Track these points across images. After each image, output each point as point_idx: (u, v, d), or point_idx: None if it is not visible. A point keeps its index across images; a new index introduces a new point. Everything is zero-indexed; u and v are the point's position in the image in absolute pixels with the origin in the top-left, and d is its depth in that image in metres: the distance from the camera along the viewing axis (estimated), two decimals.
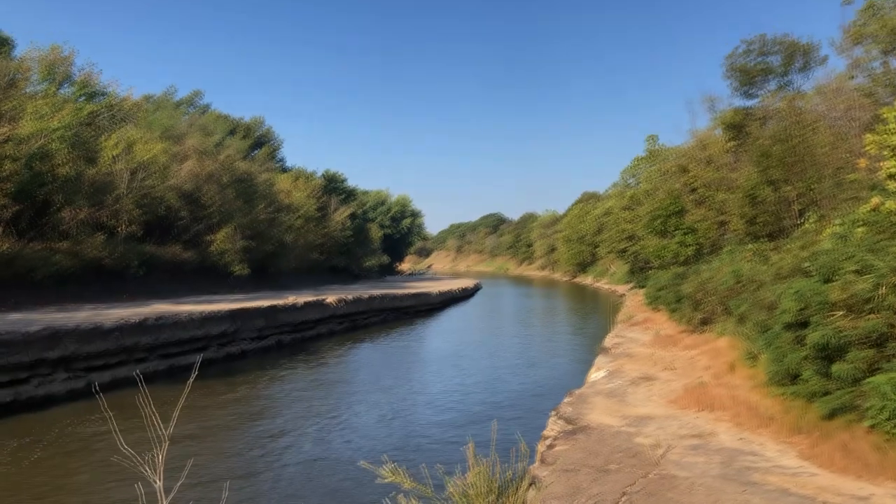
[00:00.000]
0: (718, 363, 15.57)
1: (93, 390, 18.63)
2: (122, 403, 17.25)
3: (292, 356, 28.38)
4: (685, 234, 31.86)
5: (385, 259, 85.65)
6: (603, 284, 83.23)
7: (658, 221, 33.87)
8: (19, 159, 27.88)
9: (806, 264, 13.87)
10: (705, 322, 21.55)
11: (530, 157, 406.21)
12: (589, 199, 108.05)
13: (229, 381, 22.35)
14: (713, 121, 36.58)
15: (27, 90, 32.69)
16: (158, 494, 2.57)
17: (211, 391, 20.42)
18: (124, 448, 2.79)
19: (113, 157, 33.92)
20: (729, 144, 32.31)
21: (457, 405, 19.25)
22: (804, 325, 10.75)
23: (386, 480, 4.82)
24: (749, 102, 32.72)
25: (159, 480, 2.56)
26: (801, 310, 10.70)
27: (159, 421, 2.74)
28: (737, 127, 31.17)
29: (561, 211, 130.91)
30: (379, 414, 18.18)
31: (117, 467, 11.93)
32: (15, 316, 22.14)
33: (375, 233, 79.40)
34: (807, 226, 18.30)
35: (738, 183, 27.00)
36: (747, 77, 31.14)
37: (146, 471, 2.60)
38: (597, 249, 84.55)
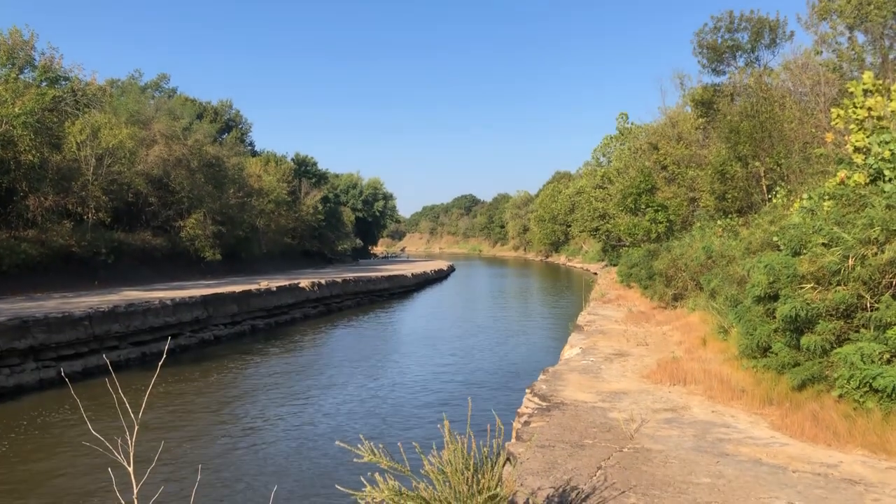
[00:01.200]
0: (691, 338, 15.75)
1: (63, 379, 18.44)
2: (94, 392, 17.15)
3: (267, 341, 28.24)
4: (656, 211, 32.12)
5: (358, 242, 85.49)
6: (576, 264, 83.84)
7: (630, 199, 34.09)
8: None
9: (775, 238, 14.04)
10: (677, 298, 21.79)
11: (503, 138, 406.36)
12: (561, 178, 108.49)
13: (203, 366, 22.19)
14: (683, 98, 36.87)
15: None
16: (131, 479, 2.52)
17: (185, 377, 20.27)
18: (95, 434, 2.74)
19: (78, 143, 33.32)
20: (699, 121, 32.57)
21: (432, 385, 19.31)
22: (774, 298, 10.89)
23: (364, 460, 4.80)
24: (718, 79, 32.99)
25: (130, 465, 2.52)
26: (771, 283, 10.82)
27: (129, 407, 2.68)
28: (706, 104, 31.40)
29: (533, 191, 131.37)
30: (355, 395, 18.17)
31: (89, 455, 11.84)
32: None
33: (348, 216, 79.13)
34: (775, 201, 18.51)
35: (708, 159, 27.26)
36: (716, 54, 31.34)
37: (117, 456, 2.56)
38: (569, 229, 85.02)
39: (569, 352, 15.90)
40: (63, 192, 32.37)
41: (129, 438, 2.60)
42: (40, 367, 19.38)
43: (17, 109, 28.92)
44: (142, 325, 23.55)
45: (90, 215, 33.90)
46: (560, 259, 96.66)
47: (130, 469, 2.54)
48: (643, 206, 33.23)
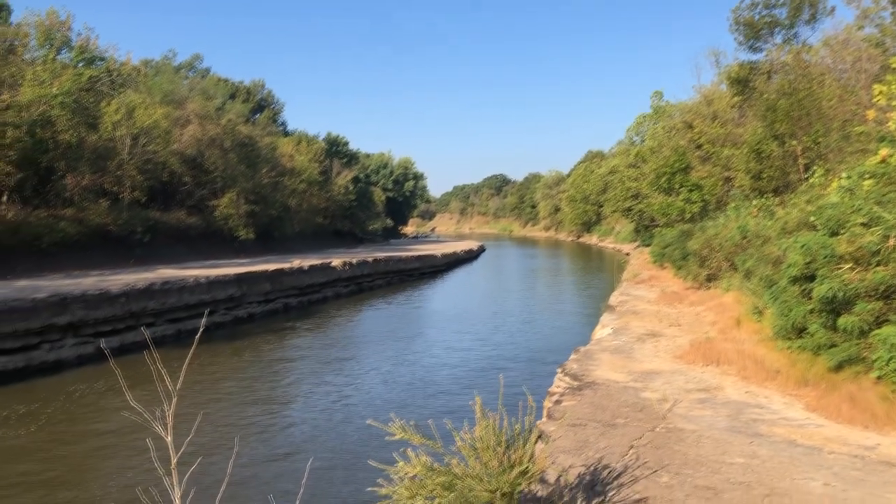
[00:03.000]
0: (724, 318, 15.59)
1: (100, 354, 18.83)
2: (131, 367, 17.40)
3: (299, 319, 28.52)
4: (691, 190, 31.70)
5: (389, 222, 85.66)
6: (608, 244, 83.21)
7: (663, 179, 33.68)
8: (21, 126, 27.73)
9: (812, 218, 13.79)
10: (711, 278, 21.55)
11: (535, 117, 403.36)
12: (593, 157, 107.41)
13: (237, 343, 22.49)
14: (719, 76, 36.21)
15: (26, 56, 32.41)
16: (170, 449, 2.56)
17: (219, 353, 20.57)
18: (135, 406, 2.78)
19: (114, 122, 33.70)
20: (734, 99, 31.99)
21: (462, 363, 19.37)
22: (811, 278, 10.72)
23: (396, 437, 4.84)
24: (755, 56, 32.27)
25: (169, 436, 2.56)
26: (808, 263, 10.65)
27: (168, 380, 2.73)
28: (742, 81, 30.79)
29: (565, 171, 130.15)
30: (385, 373, 18.30)
31: (128, 426, 12.09)
32: (22, 283, 22.23)
33: (378, 196, 79.20)
34: (813, 180, 18.15)
35: (744, 138, 26.80)
36: (753, 30, 30.66)
37: (156, 426, 2.60)
38: (601, 209, 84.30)
39: (600, 332, 15.84)
40: (100, 171, 32.82)
41: (167, 410, 2.64)
42: (79, 342, 19.79)
43: (54, 90, 29.33)
44: (177, 303, 23.90)
45: (126, 194, 34.36)
46: (592, 239, 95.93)
47: (169, 439, 2.59)
48: (677, 186, 32.81)
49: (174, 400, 2.71)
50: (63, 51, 35.41)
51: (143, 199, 35.50)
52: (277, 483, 10.11)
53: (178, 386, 2.72)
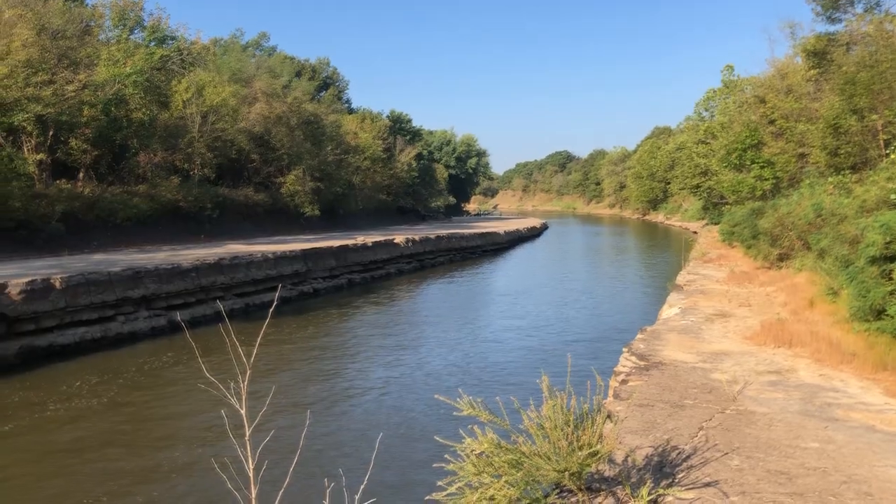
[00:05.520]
0: (797, 299, 15.11)
1: (173, 326, 19.42)
2: (201, 339, 17.93)
3: (363, 295, 28.85)
4: (762, 167, 30.73)
5: (451, 199, 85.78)
6: (674, 222, 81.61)
7: (734, 155, 32.70)
8: (97, 105, 28.63)
9: (893, 196, 13.22)
10: (783, 258, 20.92)
11: (600, 93, 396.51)
12: (660, 133, 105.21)
13: (303, 318, 22.88)
14: (793, 48, 34.87)
15: (101, 37, 33.39)
16: (243, 420, 2.59)
17: (285, 327, 20.97)
18: (208, 376, 2.83)
19: (184, 101, 34.51)
20: (810, 73, 30.78)
21: (525, 342, 19.30)
22: (891, 259, 10.29)
23: (463, 413, 4.83)
24: (833, 27, 30.90)
25: (243, 408, 2.59)
26: (888, 243, 10.23)
27: (241, 351, 2.76)
28: (819, 54, 29.56)
29: (631, 147, 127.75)
30: (449, 350, 18.38)
31: (202, 397, 12.45)
32: (98, 256, 23.05)
33: (441, 173, 79.30)
34: (894, 156, 17.37)
35: (820, 113, 25.79)
36: (832, 0, 29.35)
37: (230, 397, 2.63)
38: (668, 186, 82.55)
39: (667, 311, 15.55)
40: (171, 148, 33.72)
41: (241, 381, 2.67)
42: (152, 315, 20.44)
43: (128, 69, 30.17)
44: (245, 278, 24.44)
45: (196, 171, 35.24)
46: (658, 217, 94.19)
47: (243, 411, 2.61)
48: (748, 163, 31.82)
49: (248, 373, 2.74)
50: (136, 31, 36.38)
51: (213, 177, 36.36)
52: (345, 457, 10.28)
53: (252, 360, 2.75)
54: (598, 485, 5.09)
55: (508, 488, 4.36)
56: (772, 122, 32.43)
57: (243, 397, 2.64)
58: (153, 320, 20.32)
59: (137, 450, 10.98)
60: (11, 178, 25.06)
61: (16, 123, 26.31)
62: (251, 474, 2.54)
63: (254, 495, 2.48)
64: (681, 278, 21.26)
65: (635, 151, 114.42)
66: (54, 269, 19.25)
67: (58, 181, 28.60)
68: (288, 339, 19.39)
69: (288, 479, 2.80)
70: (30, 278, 16.97)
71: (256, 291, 24.86)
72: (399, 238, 37.92)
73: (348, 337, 20.79)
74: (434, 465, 4.87)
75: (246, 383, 2.69)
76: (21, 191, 25.16)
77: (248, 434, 2.63)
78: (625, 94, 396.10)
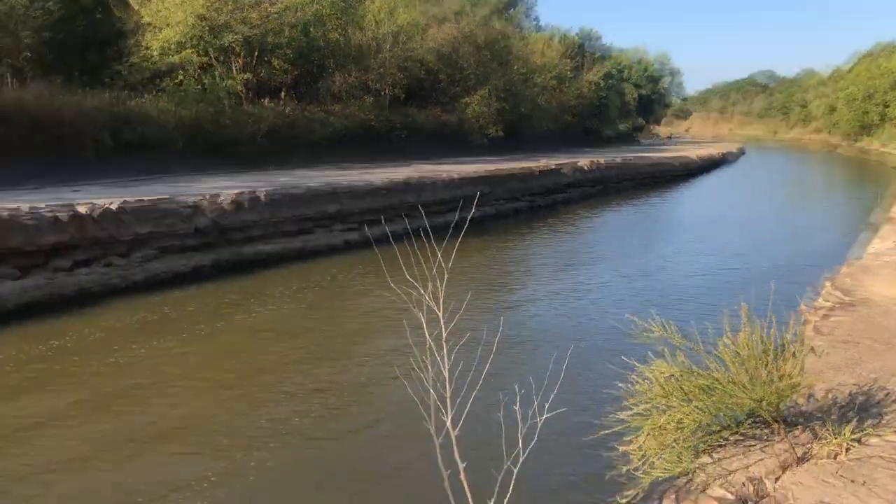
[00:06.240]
0: None
1: (364, 242, 20.49)
2: (389, 255, 18.72)
3: (544, 218, 28.78)
4: None
5: (640, 121, 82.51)
6: (892, 150, 73.89)
7: None
8: (297, 26, 30.01)
9: None
10: None
11: (809, 8, 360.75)
12: (882, 51, 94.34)
13: (484, 239, 23.27)
14: None
15: None
16: (441, 322, 2.68)
17: (468, 248, 21.45)
18: (409, 279, 2.96)
19: (377, 20, 35.31)
20: None
21: (715, 270, 18.48)
22: None
23: (655, 334, 4.75)
24: None
25: (440, 309, 2.69)
26: None
27: (440, 257, 2.86)
28: None
29: (845, 66, 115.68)
30: (633, 275, 18.02)
31: (392, 305, 13.22)
32: (298, 172, 24.58)
33: (630, 94, 76.21)
34: None
35: None
36: None
37: (427, 299, 2.74)
38: (887, 109, 74.42)
39: (878, 245, 14.28)
40: (363, 69, 34.80)
41: (439, 287, 2.74)
42: (346, 229, 21.64)
43: None
44: (430, 198, 25.11)
45: (386, 91, 36.24)
46: (872, 144, 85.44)
47: (440, 313, 2.70)
48: None
49: (445, 277, 2.82)
50: None
51: (402, 97, 37.25)
52: (531, 369, 10.48)
53: (449, 265, 2.83)
54: (795, 418, 4.87)
55: (698, 413, 4.27)
56: None
57: (440, 300, 2.73)
58: (346, 234, 21.49)
59: (331, 340, 12.05)
60: (222, 97, 27.18)
61: (226, 44, 28.21)
62: (446, 374, 2.64)
63: (448, 393, 2.58)
64: None
65: (849, 71, 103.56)
66: (259, 182, 20.79)
67: (261, 100, 30.53)
68: (470, 259, 19.86)
69: (480, 383, 2.89)
70: (238, 191, 18.46)
71: (440, 212, 25.47)
72: (583, 161, 37.20)
73: (529, 258, 20.96)
74: (619, 384, 4.86)
75: (443, 288, 2.79)
76: (230, 109, 27.26)
77: (444, 335, 2.72)
78: (837, 9, 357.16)
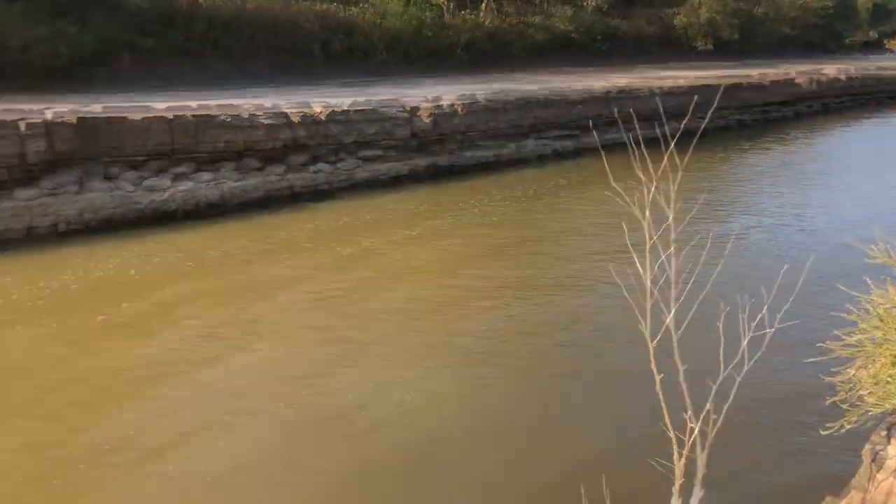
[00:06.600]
0: None
1: (557, 155, 20.42)
2: (584, 168, 18.68)
3: (754, 138, 26.89)
4: None
5: (873, 34, 73.76)
6: None
7: None
8: None
9: None
10: None
11: None
12: None
13: (710, 151, 22.53)
14: None
15: None
16: (670, 222, 2.56)
17: (699, 156, 20.77)
18: (639, 174, 2.85)
19: None
20: None
21: None
22: None
23: (877, 261, 4.31)
24: None
25: (671, 210, 2.56)
26: None
27: (675, 155, 2.79)
28: None
29: None
30: (856, 198, 16.64)
31: (601, 209, 13.50)
32: (497, 86, 24.51)
33: (863, 2, 68.07)
34: None
35: None
36: None
37: (659, 198, 2.62)
38: None
39: None
40: None
41: (671, 184, 2.67)
42: (557, 137, 21.84)
43: None
44: (645, 107, 24.17)
45: (589, 2, 34.96)
46: None
47: (670, 212, 2.58)
48: None
49: (679, 174, 2.70)
50: None
51: (605, 7, 35.80)
52: (749, 283, 9.97)
53: (684, 164, 2.70)
54: None
55: None
56: None
57: (672, 199, 2.60)
58: (539, 148, 21.30)
59: (545, 246, 13.15)
60: (425, 9, 27.55)
61: None
62: (672, 276, 2.53)
63: (673, 295, 2.47)
64: None
65: None
66: (457, 91, 21.02)
67: (462, 12, 30.44)
68: (703, 164, 19.60)
69: (707, 288, 2.84)
70: (435, 104, 18.79)
71: (658, 122, 24.53)
72: (800, 78, 34.01)
73: (737, 175, 19.92)
74: (832, 313, 4.49)
75: (676, 185, 2.65)
76: (432, 20, 27.59)
77: (673, 235, 2.59)
78: None
